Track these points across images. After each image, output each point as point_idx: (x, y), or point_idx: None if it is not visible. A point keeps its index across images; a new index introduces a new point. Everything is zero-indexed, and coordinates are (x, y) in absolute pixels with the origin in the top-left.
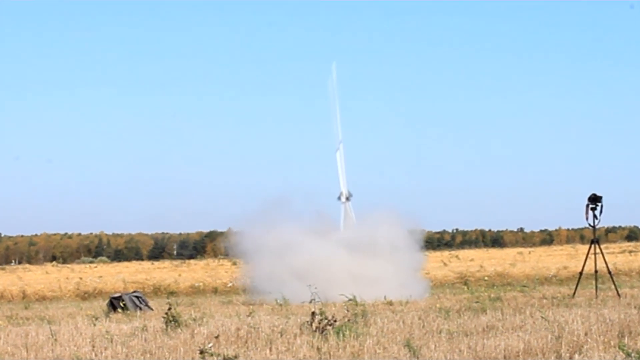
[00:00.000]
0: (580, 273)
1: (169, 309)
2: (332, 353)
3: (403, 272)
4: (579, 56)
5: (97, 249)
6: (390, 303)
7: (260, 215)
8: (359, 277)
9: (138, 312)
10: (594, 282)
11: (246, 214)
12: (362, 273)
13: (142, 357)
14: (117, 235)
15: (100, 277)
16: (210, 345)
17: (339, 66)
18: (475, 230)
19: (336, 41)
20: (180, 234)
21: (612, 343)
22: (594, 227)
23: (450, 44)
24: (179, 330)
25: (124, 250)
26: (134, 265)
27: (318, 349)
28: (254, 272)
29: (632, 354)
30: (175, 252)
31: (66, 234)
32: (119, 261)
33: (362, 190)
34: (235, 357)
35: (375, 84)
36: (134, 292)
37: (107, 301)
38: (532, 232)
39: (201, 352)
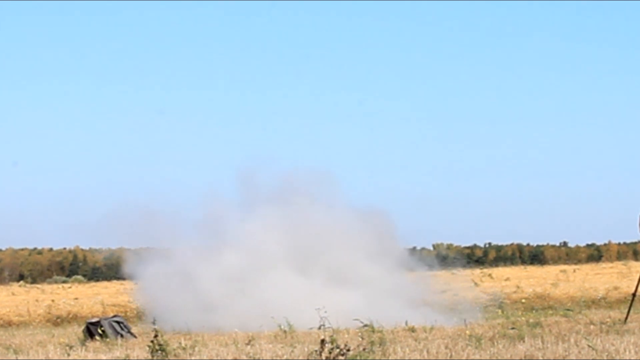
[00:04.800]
0: (634, 295)
1: (155, 336)
2: None
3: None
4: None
5: (72, 266)
6: (413, 329)
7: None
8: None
9: (119, 340)
10: None
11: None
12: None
13: None
14: (95, 250)
15: (76, 299)
16: None
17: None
18: (512, 244)
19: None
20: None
21: None
22: None
23: (484, 41)
24: None
25: (102, 268)
26: (114, 286)
27: None
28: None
29: None
30: None
31: (35, 249)
32: (97, 281)
33: (379, 196)
34: None
35: (396, 82)
36: (115, 316)
37: (83, 327)
38: (578, 247)
39: None
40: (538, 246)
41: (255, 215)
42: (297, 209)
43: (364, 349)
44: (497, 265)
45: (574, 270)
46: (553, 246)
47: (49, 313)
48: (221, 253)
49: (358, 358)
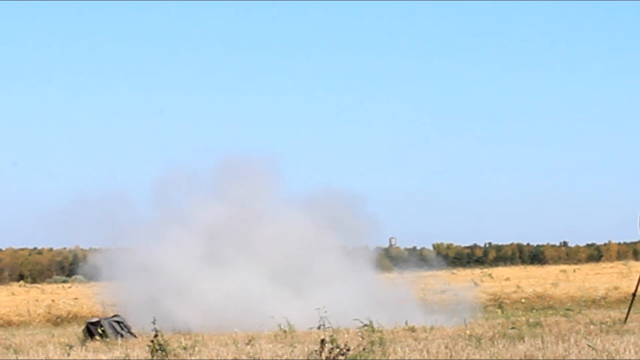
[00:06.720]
0: (634, 294)
1: (156, 335)
2: None
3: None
4: None
5: (72, 266)
6: (413, 329)
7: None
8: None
9: (119, 340)
10: None
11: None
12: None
13: None
14: (95, 250)
15: (76, 299)
16: None
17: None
18: (512, 244)
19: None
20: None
21: None
22: None
23: (484, 41)
24: None
25: (102, 267)
26: (114, 285)
27: None
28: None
29: None
30: None
31: (35, 249)
32: (97, 280)
33: (377, 195)
34: None
35: (395, 81)
36: (115, 316)
37: (83, 327)
38: (578, 247)
39: None
40: (538, 246)
41: (199, 206)
42: (235, 197)
43: (364, 349)
44: (497, 265)
45: (574, 270)
46: (553, 246)
47: (49, 313)
48: (172, 247)
49: (358, 358)
